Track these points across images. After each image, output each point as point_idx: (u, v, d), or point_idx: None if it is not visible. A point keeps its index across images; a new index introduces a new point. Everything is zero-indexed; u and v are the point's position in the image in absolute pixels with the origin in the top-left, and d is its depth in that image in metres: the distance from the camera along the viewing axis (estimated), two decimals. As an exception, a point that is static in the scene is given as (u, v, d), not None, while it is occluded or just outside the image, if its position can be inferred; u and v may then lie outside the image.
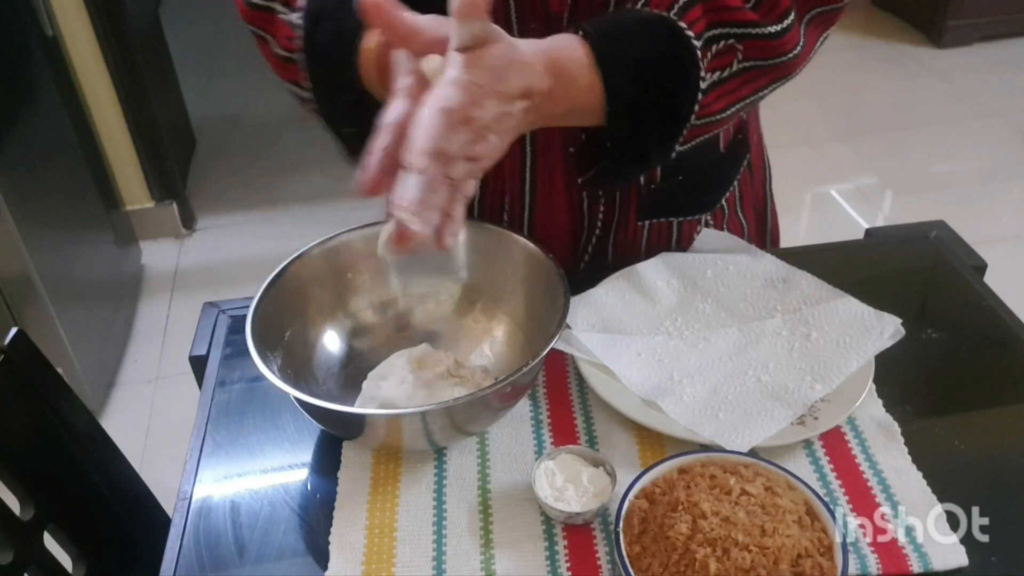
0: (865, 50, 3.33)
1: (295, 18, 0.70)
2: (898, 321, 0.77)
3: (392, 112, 0.58)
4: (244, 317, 0.71)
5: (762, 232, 0.98)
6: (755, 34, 0.67)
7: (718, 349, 0.79)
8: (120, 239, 2.23)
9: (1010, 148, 2.76)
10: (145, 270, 2.38)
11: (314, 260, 0.78)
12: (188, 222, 2.51)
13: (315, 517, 0.69)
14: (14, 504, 0.83)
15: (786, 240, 1.03)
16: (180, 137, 2.74)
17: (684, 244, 0.90)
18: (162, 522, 0.90)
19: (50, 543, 0.86)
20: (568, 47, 0.64)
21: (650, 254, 0.87)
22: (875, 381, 0.74)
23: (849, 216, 2.53)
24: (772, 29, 0.67)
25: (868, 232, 1.01)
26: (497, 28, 0.59)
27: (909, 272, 0.95)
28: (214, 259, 2.44)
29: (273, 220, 2.57)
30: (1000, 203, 2.58)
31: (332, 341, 0.80)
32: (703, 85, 0.66)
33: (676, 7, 0.66)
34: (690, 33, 0.65)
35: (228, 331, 0.87)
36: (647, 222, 0.88)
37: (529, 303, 0.78)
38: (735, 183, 0.92)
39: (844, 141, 2.87)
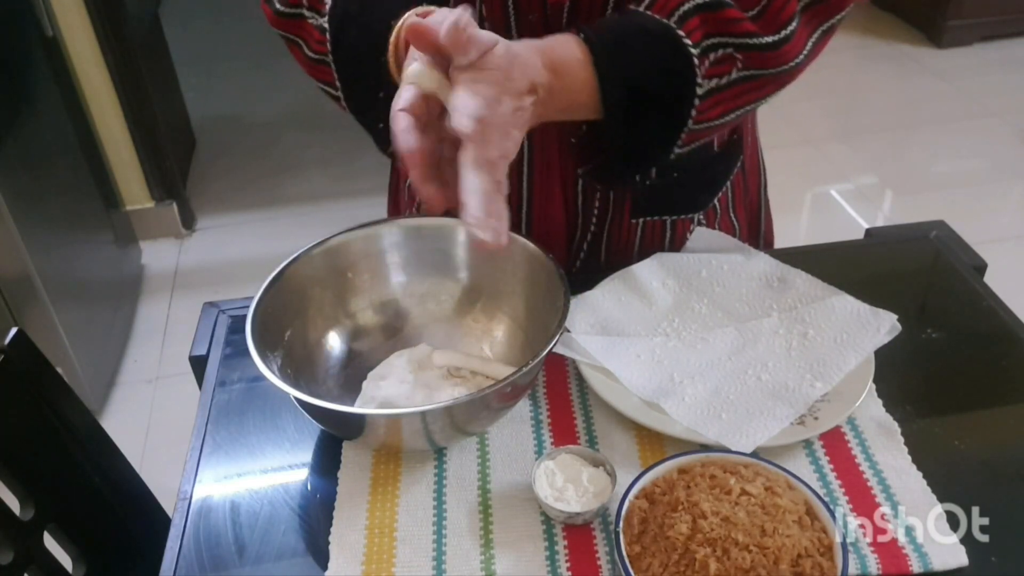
0: (865, 50, 3.33)
1: (324, 22, 0.73)
2: (894, 317, 0.77)
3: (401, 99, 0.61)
4: (244, 317, 0.70)
5: (755, 234, 0.98)
6: (752, 44, 0.68)
7: (716, 349, 0.79)
8: (120, 239, 2.23)
9: (1010, 148, 2.76)
10: (145, 270, 2.38)
11: (314, 260, 0.78)
12: (188, 222, 2.51)
13: (315, 517, 0.69)
14: (14, 504, 0.83)
15: (787, 240, 1.03)
16: (180, 137, 2.74)
17: (677, 243, 0.90)
18: (162, 522, 0.90)
19: (50, 543, 0.86)
20: (564, 45, 0.66)
21: (643, 253, 0.87)
22: (875, 381, 0.74)
23: (849, 216, 2.53)
24: (769, 39, 0.68)
25: (868, 232, 1.01)
26: (491, 34, 0.60)
27: (909, 272, 0.95)
28: (214, 259, 2.43)
29: (273, 220, 2.57)
30: (1000, 203, 2.58)
31: (332, 341, 0.80)
32: (700, 91, 0.68)
33: (676, 15, 0.67)
34: (688, 41, 0.67)
35: (228, 331, 0.87)
36: (641, 220, 0.88)
37: (529, 303, 0.78)
38: (728, 184, 0.92)
39: (844, 141, 2.87)
